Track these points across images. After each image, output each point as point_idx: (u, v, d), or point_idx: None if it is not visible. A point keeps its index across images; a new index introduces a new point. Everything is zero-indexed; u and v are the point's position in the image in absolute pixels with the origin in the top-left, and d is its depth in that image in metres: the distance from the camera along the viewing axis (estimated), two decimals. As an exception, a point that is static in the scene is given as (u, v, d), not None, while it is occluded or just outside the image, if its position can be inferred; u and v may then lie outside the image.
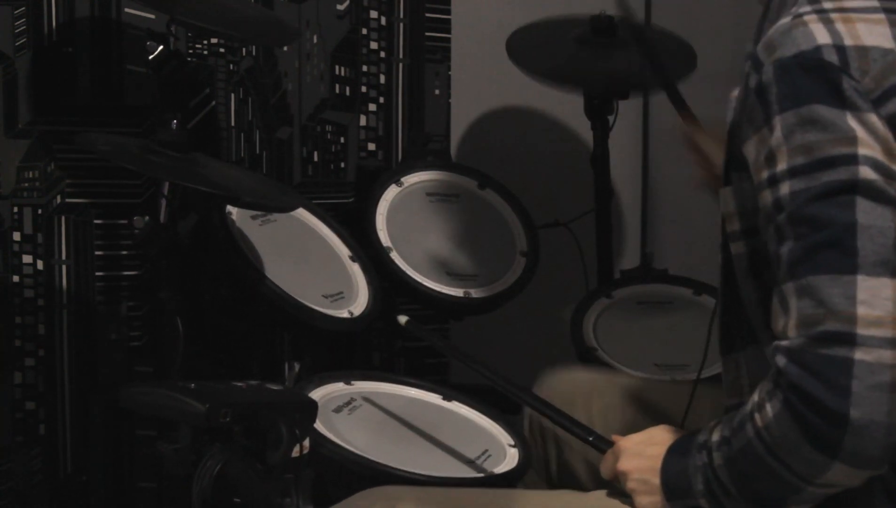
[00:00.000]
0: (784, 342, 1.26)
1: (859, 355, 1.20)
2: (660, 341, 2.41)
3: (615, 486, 1.54)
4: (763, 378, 1.34)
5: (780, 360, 1.26)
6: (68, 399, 2.34)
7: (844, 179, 1.23)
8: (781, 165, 1.26)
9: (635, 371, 2.27)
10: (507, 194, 2.51)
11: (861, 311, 1.21)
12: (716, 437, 1.38)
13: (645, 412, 1.78)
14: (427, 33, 2.70)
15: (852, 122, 1.23)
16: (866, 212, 1.22)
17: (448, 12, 2.73)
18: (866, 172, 1.23)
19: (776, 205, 1.27)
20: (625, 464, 1.50)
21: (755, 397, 1.31)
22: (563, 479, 1.83)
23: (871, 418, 1.20)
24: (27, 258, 2.29)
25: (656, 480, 1.44)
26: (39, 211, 2.30)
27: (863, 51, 1.25)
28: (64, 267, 2.33)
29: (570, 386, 1.87)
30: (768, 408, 1.28)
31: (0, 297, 2.28)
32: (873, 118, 1.24)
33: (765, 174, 1.28)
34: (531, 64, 2.59)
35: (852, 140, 1.23)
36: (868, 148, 1.23)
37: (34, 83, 2.27)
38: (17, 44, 2.25)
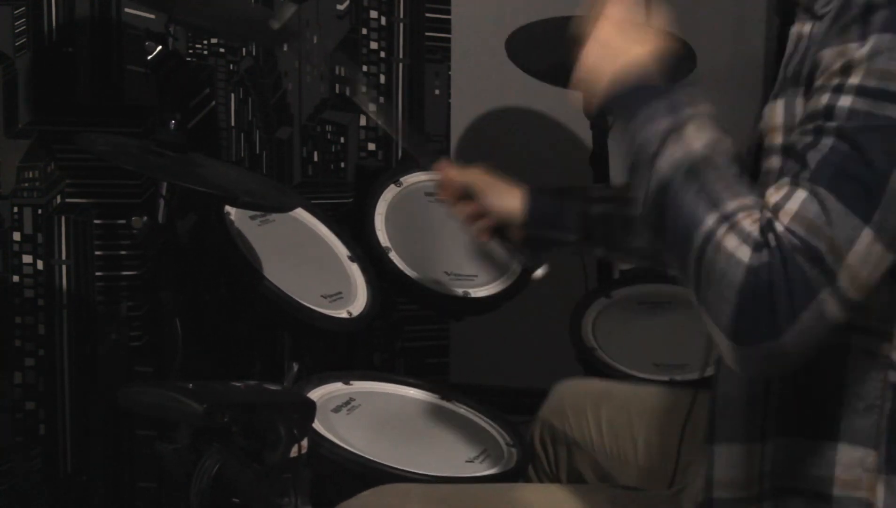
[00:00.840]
0: (778, 224, 1.19)
1: (826, 295, 1.17)
2: (659, 341, 2.41)
3: (614, 480, 1.53)
4: None
5: (778, 226, 1.19)
6: (68, 399, 2.35)
7: None
8: (854, 79, 1.20)
9: (634, 371, 2.27)
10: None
11: (851, 260, 1.17)
12: (697, 139, 1.27)
13: (653, 421, 1.77)
14: (427, 33, 2.71)
15: None
16: None
17: (448, 12, 2.74)
18: None
19: (828, 110, 1.21)
20: (598, 30, 1.43)
21: (748, 202, 1.23)
22: (572, 475, 1.83)
23: (791, 349, 1.18)
24: (27, 258, 2.30)
25: (606, 80, 1.36)
26: (39, 211, 2.30)
27: None
28: (64, 267, 2.33)
29: (579, 395, 1.87)
30: (739, 239, 1.21)
31: (0, 297, 2.28)
32: None
33: (834, 81, 1.22)
34: (531, 64, 2.59)
35: None
36: None
37: (34, 83, 2.27)
38: (17, 44, 2.25)
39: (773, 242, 1.19)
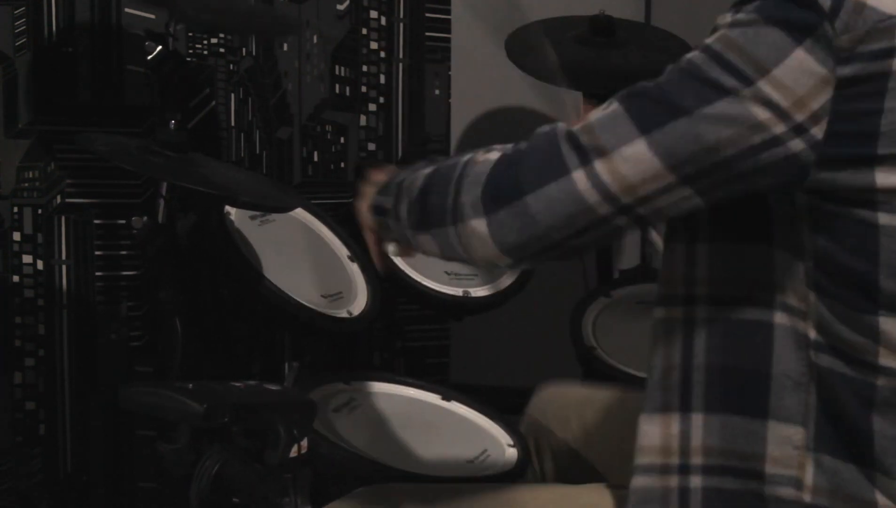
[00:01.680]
0: (573, 123, 1.28)
1: (577, 174, 1.23)
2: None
3: (607, 480, 1.53)
4: (692, 275, 1.34)
5: (542, 128, 1.29)
6: (68, 399, 2.35)
7: (727, 86, 1.20)
8: (709, 39, 1.24)
9: (634, 371, 2.27)
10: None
11: (615, 156, 1.22)
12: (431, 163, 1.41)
13: (635, 422, 1.77)
14: (427, 33, 2.71)
15: (794, 57, 1.19)
16: (706, 118, 1.20)
17: (448, 12, 2.73)
18: (753, 98, 1.19)
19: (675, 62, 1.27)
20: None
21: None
22: (559, 479, 1.83)
23: (536, 210, 1.24)
24: (27, 258, 2.30)
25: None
26: (39, 211, 2.30)
27: (860, 7, 1.20)
28: (64, 267, 2.33)
29: (564, 401, 1.86)
30: (494, 151, 1.31)
31: (0, 297, 2.28)
32: (816, 67, 1.19)
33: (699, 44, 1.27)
34: (531, 64, 2.59)
35: (764, 70, 1.19)
36: (775, 88, 1.19)
37: (34, 83, 2.27)
38: (17, 44, 2.25)
39: (537, 132, 1.29)
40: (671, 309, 1.36)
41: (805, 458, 1.28)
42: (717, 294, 1.31)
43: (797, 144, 1.20)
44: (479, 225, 1.28)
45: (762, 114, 1.19)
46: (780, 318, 1.28)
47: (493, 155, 1.30)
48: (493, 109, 2.98)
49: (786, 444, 1.28)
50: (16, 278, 2.29)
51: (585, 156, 1.23)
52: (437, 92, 2.73)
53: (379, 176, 1.50)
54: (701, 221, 1.32)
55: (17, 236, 2.29)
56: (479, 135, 2.95)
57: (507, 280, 2.36)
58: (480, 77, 2.89)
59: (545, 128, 1.29)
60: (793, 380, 1.28)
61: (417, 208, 1.37)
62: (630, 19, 2.79)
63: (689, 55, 1.25)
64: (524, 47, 2.59)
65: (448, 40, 2.74)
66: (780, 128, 1.20)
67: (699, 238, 1.33)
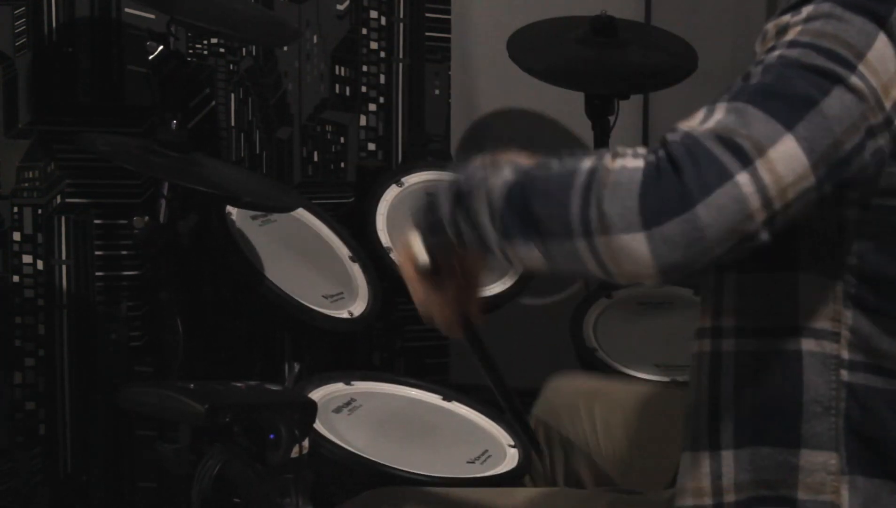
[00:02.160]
0: (685, 127, 1.17)
1: (742, 177, 1.12)
2: (660, 341, 2.41)
3: (612, 481, 1.53)
4: (718, 305, 1.30)
5: (673, 136, 1.17)
6: (68, 399, 2.35)
7: (836, 72, 1.16)
8: (787, 37, 1.19)
9: (635, 372, 2.27)
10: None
11: (773, 154, 1.13)
12: (508, 169, 1.26)
13: (648, 418, 1.77)
14: (427, 33, 2.71)
15: (878, 43, 1.18)
16: (832, 107, 1.15)
17: (448, 12, 2.73)
18: (855, 82, 1.17)
19: (757, 63, 1.20)
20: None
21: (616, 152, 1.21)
22: (568, 475, 1.82)
23: (706, 223, 1.12)
24: (27, 258, 2.30)
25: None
26: (39, 211, 2.30)
27: None
28: (64, 267, 2.33)
29: (572, 395, 1.86)
30: (629, 160, 1.17)
31: (0, 297, 2.28)
32: (893, 54, 1.18)
33: (770, 43, 1.21)
34: (531, 64, 2.59)
35: (860, 55, 1.17)
36: (870, 71, 1.17)
37: (34, 83, 2.27)
38: (17, 44, 2.25)
39: (672, 140, 1.15)
40: (702, 342, 1.33)
41: (839, 482, 1.27)
42: (744, 326, 1.29)
43: (884, 137, 1.18)
44: (635, 240, 1.14)
45: (867, 101, 1.16)
46: (808, 345, 1.26)
47: (632, 162, 1.16)
48: (493, 109, 2.98)
49: (819, 471, 1.27)
50: (16, 278, 2.29)
51: (745, 156, 1.12)
52: (437, 92, 2.73)
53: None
54: None
55: (17, 236, 2.29)
56: (479, 135, 2.95)
57: (507, 281, 2.36)
58: (480, 77, 2.88)
59: (672, 136, 1.16)
60: (822, 406, 1.26)
61: (514, 216, 1.21)
62: (630, 19, 2.78)
63: (775, 54, 1.18)
64: (525, 47, 2.59)
65: (448, 40, 2.74)
66: (876, 118, 1.17)
67: (728, 267, 1.29)
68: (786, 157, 1.13)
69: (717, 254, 1.14)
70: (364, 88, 2.65)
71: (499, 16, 2.86)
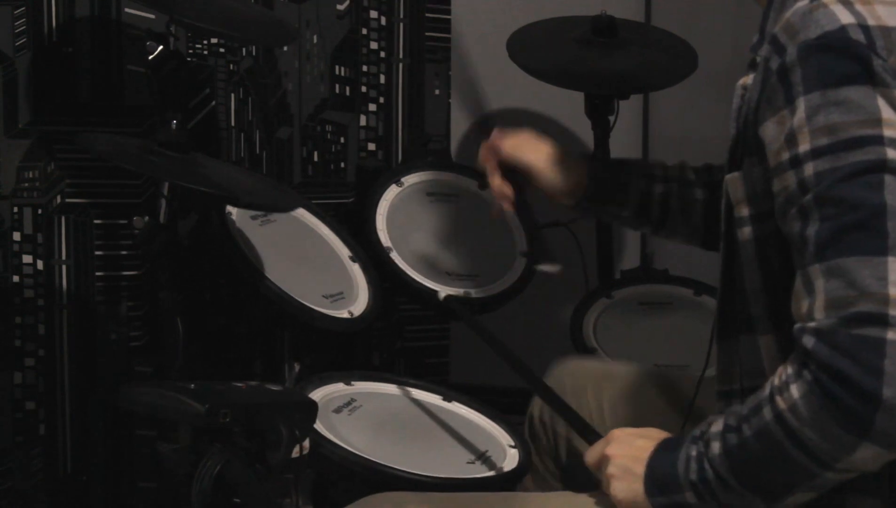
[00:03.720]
0: (812, 324, 1.23)
1: (892, 335, 1.18)
2: (660, 341, 2.41)
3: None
4: (755, 368, 1.34)
5: (808, 341, 1.23)
6: (68, 399, 2.34)
7: (873, 160, 1.20)
8: (804, 147, 1.24)
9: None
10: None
11: (893, 292, 1.19)
12: (716, 428, 1.35)
13: (655, 403, 1.78)
14: (427, 33, 2.70)
15: (880, 101, 1.21)
16: (895, 192, 1.20)
17: (448, 12, 2.73)
18: (893, 154, 1.21)
19: (801, 186, 1.24)
20: (611, 449, 1.47)
21: (775, 380, 1.28)
22: (565, 486, 1.83)
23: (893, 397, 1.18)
24: (27, 258, 2.29)
25: (640, 469, 1.41)
26: (39, 211, 2.30)
27: (886, 31, 1.24)
28: (64, 267, 2.33)
29: (580, 376, 1.87)
30: (794, 390, 1.24)
31: (0, 297, 2.28)
32: None
33: (786, 156, 1.26)
34: (531, 64, 2.59)
35: (877, 121, 1.21)
36: (894, 129, 1.21)
37: (34, 83, 2.27)
38: (17, 44, 2.25)
39: (805, 358, 1.23)
40: (730, 400, 1.41)
41: None
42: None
43: None
44: (867, 450, 1.22)
45: None
46: None
47: (796, 391, 1.25)
48: (493, 109, 2.97)
49: None
50: (16, 278, 2.29)
51: (876, 316, 1.20)
52: (437, 92, 2.73)
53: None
54: (761, 314, 1.36)
55: (17, 236, 2.29)
56: (480, 135, 2.94)
57: (507, 281, 2.36)
58: (480, 77, 2.88)
59: (807, 342, 1.24)
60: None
61: (744, 487, 1.32)
62: (630, 19, 2.78)
63: (811, 173, 1.24)
64: (525, 47, 2.59)
65: (448, 40, 2.74)
66: None
67: (758, 331, 1.37)
68: None
69: None
70: (364, 88, 2.65)
71: (499, 16, 2.86)
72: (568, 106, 2.78)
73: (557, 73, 2.60)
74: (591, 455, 1.52)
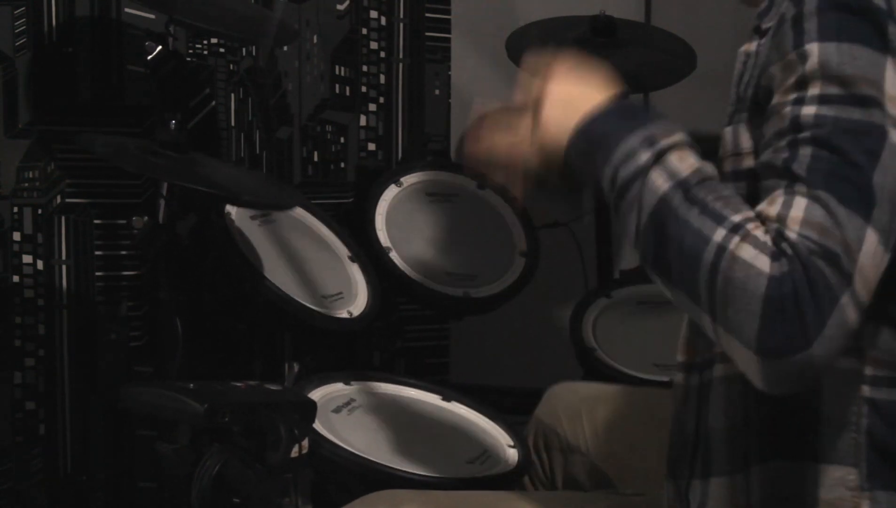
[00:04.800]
0: (791, 233, 1.17)
1: (845, 299, 1.15)
2: (659, 341, 2.40)
3: (611, 485, 1.53)
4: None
5: (791, 236, 1.16)
6: (68, 399, 2.34)
7: (877, 124, 1.18)
8: (813, 91, 1.20)
9: (634, 372, 2.27)
10: (507, 193, 2.51)
11: (862, 260, 1.16)
12: (675, 165, 1.24)
13: (649, 423, 1.77)
14: (427, 33, 2.70)
15: (889, 70, 1.20)
16: (885, 169, 1.18)
17: (448, 12, 2.73)
18: (892, 132, 1.19)
19: (794, 122, 1.21)
20: (553, 86, 1.34)
21: (737, 218, 1.19)
22: (568, 481, 1.83)
23: (816, 359, 1.14)
24: (27, 258, 2.29)
25: (575, 117, 1.30)
26: (39, 211, 2.30)
27: None
28: (64, 267, 2.33)
29: (573, 400, 1.86)
30: (753, 248, 1.17)
31: (0, 297, 2.28)
32: None
33: (791, 96, 1.22)
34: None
35: (881, 90, 1.19)
36: (892, 104, 1.19)
37: (34, 83, 2.27)
38: (17, 44, 2.25)
39: (788, 250, 1.16)
40: (690, 372, 1.37)
41: (860, 498, 1.27)
42: None
43: None
44: (748, 357, 1.17)
45: None
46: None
47: (758, 260, 1.16)
48: (492, 109, 2.97)
49: (838, 486, 1.27)
50: (16, 278, 2.29)
51: (844, 271, 1.15)
52: (437, 92, 2.73)
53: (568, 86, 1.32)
54: None
55: (17, 236, 2.29)
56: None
57: (507, 281, 2.36)
58: (480, 77, 2.88)
59: (791, 235, 1.16)
60: (842, 420, 1.27)
61: (651, 247, 1.23)
62: (630, 19, 2.78)
63: (812, 113, 1.20)
64: (525, 47, 2.59)
65: (448, 40, 2.74)
66: None
67: None
68: (871, 253, 1.16)
69: (819, 373, 1.18)
70: (364, 88, 2.65)
71: (499, 16, 2.86)
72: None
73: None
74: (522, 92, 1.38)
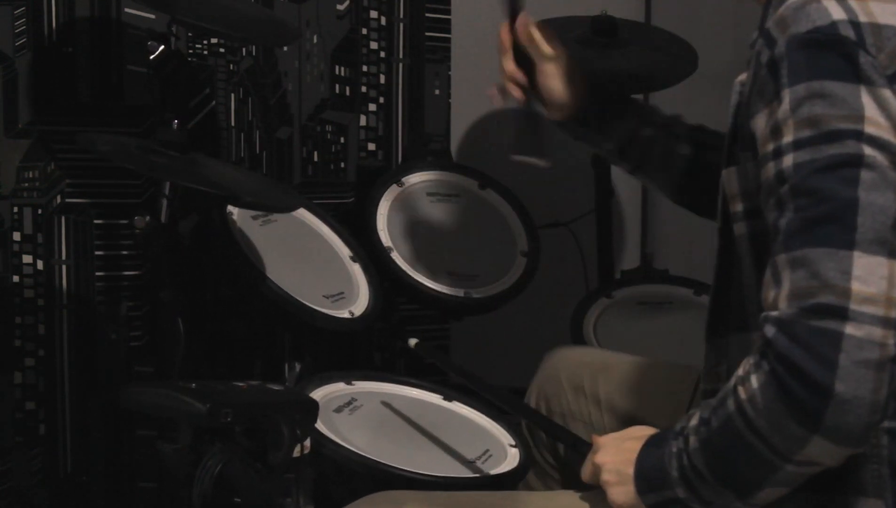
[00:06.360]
0: (774, 313, 1.23)
1: (849, 329, 1.18)
2: (660, 341, 2.41)
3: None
4: None
5: (769, 330, 1.23)
6: (68, 399, 2.34)
7: (851, 153, 1.21)
8: (787, 138, 1.24)
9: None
10: (508, 193, 2.51)
11: (855, 286, 1.18)
12: (693, 422, 1.35)
13: (653, 398, 1.78)
14: (427, 33, 2.70)
15: (865, 98, 1.22)
16: (868, 189, 1.20)
17: (448, 12, 2.73)
18: (871, 151, 1.21)
19: (779, 177, 1.25)
20: (600, 457, 1.46)
21: (739, 370, 1.28)
22: (566, 479, 1.83)
23: (854, 393, 1.18)
24: (27, 258, 2.29)
25: (630, 470, 1.40)
26: (39, 211, 2.30)
27: (877, 28, 1.24)
28: (64, 267, 2.33)
29: (576, 366, 1.87)
30: (753, 380, 1.24)
31: (0, 297, 2.28)
32: (887, 93, 1.23)
33: (770, 147, 1.26)
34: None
35: (860, 118, 1.21)
36: (875, 127, 1.21)
37: (34, 83, 2.27)
38: (17, 44, 2.25)
39: (765, 348, 1.23)
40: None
41: None
42: None
43: None
44: (821, 445, 1.22)
45: (888, 151, 1.22)
46: None
47: (756, 380, 1.25)
48: (493, 109, 2.97)
49: None
50: (16, 278, 2.29)
51: (837, 309, 1.19)
52: (437, 92, 2.73)
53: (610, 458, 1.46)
54: (755, 312, 1.34)
55: (17, 236, 2.28)
56: (479, 135, 2.95)
57: (507, 281, 2.36)
58: (480, 77, 2.88)
59: (768, 330, 1.24)
60: (865, 453, 1.28)
61: (721, 479, 1.32)
62: (630, 19, 2.78)
63: (790, 164, 1.24)
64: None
65: (448, 40, 2.74)
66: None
67: (752, 328, 1.35)
68: (866, 274, 1.19)
69: (887, 390, 1.20)
70: (364, 88, 2.65)
71: (499, 16, 2.85)
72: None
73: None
74: (584, 470, 1.51)
